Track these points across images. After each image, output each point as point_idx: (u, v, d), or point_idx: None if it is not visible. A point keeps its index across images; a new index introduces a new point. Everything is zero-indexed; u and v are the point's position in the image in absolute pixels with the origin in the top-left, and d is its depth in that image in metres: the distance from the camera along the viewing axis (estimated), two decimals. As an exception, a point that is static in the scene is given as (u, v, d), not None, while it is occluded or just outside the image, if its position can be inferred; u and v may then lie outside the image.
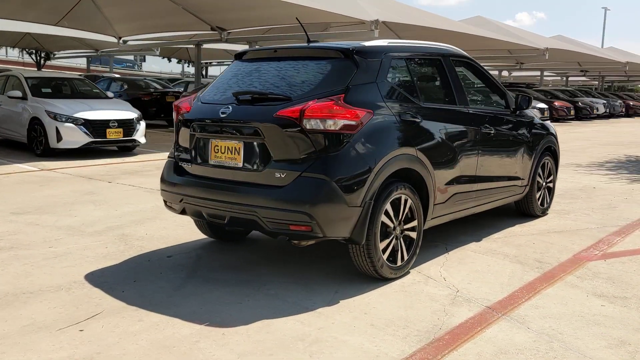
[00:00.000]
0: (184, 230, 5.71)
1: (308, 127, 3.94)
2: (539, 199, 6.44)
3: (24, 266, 4.61)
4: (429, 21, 20.93)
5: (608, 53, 36.54)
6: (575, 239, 5.57)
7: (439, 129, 4.74)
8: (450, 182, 4.87)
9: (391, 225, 4.29)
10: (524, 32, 29.98)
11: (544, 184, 6.53)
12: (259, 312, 3.76)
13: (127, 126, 11.50)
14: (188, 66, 54.05)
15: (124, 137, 11.44)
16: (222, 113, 4.28)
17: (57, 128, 10.77)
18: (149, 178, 8.76)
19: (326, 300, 3.97)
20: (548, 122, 6.76)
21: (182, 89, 21.89)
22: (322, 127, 3.94)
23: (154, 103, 17.39)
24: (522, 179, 6.03)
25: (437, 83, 5.14)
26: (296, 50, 4.63)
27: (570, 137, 18.04)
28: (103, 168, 9.85)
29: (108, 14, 20.15)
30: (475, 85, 5.85)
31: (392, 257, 4.33)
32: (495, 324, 3.61)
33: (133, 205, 6.85)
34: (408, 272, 4.50)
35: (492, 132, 5.43)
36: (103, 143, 11.28)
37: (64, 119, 10.83)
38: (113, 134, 11.26)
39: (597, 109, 32.47)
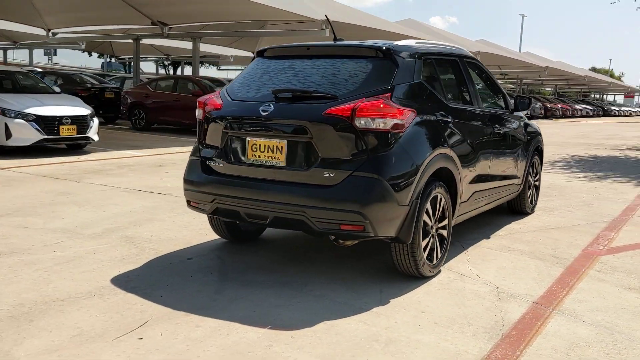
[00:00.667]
0: (189, 231, 5.51)
1: (359, 125, 3.90)
2: (529, 197, 6.68)
3: (37, 272, 4.30)
4: (370, 22, 21.27)
5: (528, 58, 38.40)
6: (574, 235, 5.81)
7: (464, 129, 4.82)
8: (472, 181, 4.97)
9: (430, 223, 4.32)
10: (453, 35, 31.00)
11: (533, 182, 6.78)
12: (316, 314, 3.68)
13: (81, 123, 10.98)
14: (110, 60, 52.17)
15: (77, 134, 10.92)
16: (264, 111, 4.16)
17: (6, 124, 10.13)
18: (119, 177, 8.40)
19: (376, 300, 3.94)
20: (535, 123, 7.02)
21: (119, 84, 21.13)
22: (372, 126, 3.91)
23: (93, 99, 16.63)
24: (519, 178, 6.23)
25: (457, 83, 5.23)
26: (330, 49, 4.56)
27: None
28: (61, 167, 9.34)
29: (38, 4, 19.17)
30: (481, 86, 5.99)
31: (429, 256, 4.36)
32: (551, 319, 3.70)
33: (119, 206, 6.54)
34: (440, 270, 4.55)
35: (501, 132, 5.58)
36: (55, 140, 10.72)
37: (13, 115, 10.20)
38: (66, 130, 10.71)
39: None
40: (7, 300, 3.75)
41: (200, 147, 4.59)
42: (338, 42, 4.67)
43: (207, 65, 49.54)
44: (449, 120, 4.58)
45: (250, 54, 27.60)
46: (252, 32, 19.23)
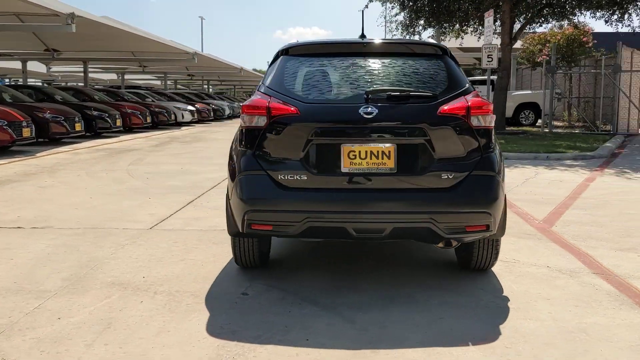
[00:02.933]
0: (186, 265, 4.61)
1: (474, 123, 3.84)
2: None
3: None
4: (106, 20, 19.85)
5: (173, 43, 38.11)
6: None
7: None
8: None
9: None
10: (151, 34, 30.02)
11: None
12: (464, 324, 3.53)
13: None
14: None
15: None
16: (367, 114, 3.75)
17: None
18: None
19: (500, 296, 3.97)
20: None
21: None
22: (483, 124, 3.88)
23: None
24: None
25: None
26: (385, 45, 4.31)
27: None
28: None
29: None
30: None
31: (495, 250, 4.49)
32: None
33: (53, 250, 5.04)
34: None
35: None
36: None
37: None
38: None
39: (225, 111, 35.03)
40: None
41: (258, 160, 3.90)
42: (406, 40, 4.48)
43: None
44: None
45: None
46: None
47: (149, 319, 3.56)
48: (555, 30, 21.26)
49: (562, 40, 20.37)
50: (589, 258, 4.85)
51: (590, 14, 16.86)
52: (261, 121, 3.87)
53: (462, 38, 20.30)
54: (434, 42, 4.38)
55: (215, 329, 3.42)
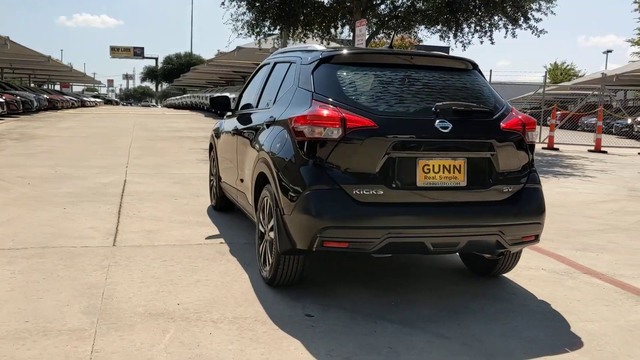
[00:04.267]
0: (211, 286, 4.19)
1: (528, 139, 4.06)
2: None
3: None
4: None
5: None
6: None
7: None
8: None
9: None
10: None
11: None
12: (533, 330, 3.74)
13: None
14: None
15: None
16: (443, 128, 3.76)
17: None
18: None
19: (553, 300, 4.24)
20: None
21: None
22: (531, 139, 4.12)
23: None
24: None
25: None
26: (425, 59, 4.32)
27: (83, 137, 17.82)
28: None
29: None
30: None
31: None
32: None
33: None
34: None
35: None
36: None
37: None
38: None
39: (33, 103, 31.90)
40: None
41: (329, 174, 3.71)
42: (433, 53, 4.52)
43: None
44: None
45: None
46: None
47: (242, 353, 3.21)
48: (385, 41, 22.67)
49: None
50: (564, 259, 5.35)
51: (426, 28, 18.32)
52: (334, 133, 3.68)
53: (305, 42, 20.79)
54: (467, 58, 4.48)
55: (326, 357, 3.19)
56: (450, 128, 3.78)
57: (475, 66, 4.41)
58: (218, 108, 6.16)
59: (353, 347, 3.33)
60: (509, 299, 4.26)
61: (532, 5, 16.72)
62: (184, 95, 54.49)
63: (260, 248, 4.41)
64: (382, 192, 3.70)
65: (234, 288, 4.21)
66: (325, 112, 3.73)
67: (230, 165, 5.70)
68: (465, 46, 17.85)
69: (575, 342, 3.52)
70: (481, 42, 18.88)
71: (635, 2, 35.57)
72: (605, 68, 47.27)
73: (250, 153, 4.76)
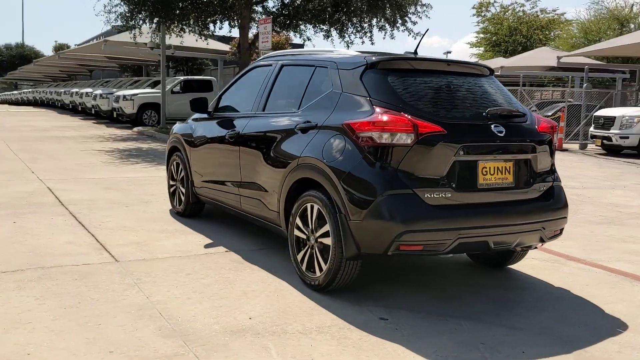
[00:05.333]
0: (261, 297, 4.08)
1: (554, 140, 4.45)
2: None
3: None
4: None
5: None
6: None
7: None
8: None
9: None
10: None
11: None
12: (578, 314, 4.19)
13: None
14: None
15: None
16: (499, 132, 4.01)
17: None
18: None
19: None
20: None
21: None
22: (556, 140, 4.52)
23: None
24: None
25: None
26: (462, 66, 4.53)
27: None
28: None
29: None
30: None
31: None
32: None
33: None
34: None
35: None
36: None
37: None
38: None
39: None
40: None
41: (402, 178, 3.80)
42: (463, 60, 4.73)
43: None
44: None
45: None
46: None
47: (360, 361, 3.21)
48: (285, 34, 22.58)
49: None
50: (542, 249, 5.84)
51: (313, 27, 18.60)
52: (407, 139, 3.78)
53: (182, 37, 20.18)
54: (483, 63, 4.77)
55: (435, 356, 3.30)
56: (504, 132, 4.03)
57: (492, 72, 4.70)
58: (197, 110, 5.92)
59: (451, 346, 3.46)
60: (533, 288, 4.62)
61: (410, 9, 17.67)
62: (25, 91, 50.05)
63: (301, 255, 4.35)
64: (449, 195, 3.86)
65: (287, 297, 4.13)
66: (396, 118, 3.81)
67: (224, 170, 5.49)
68: (348, 46, 18.41)
69: (620, 324, 3.93)
70: (362, 43, 19.60)
71: (473, 8, 38.84)
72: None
73: (275, 159, 4.66)
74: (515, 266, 5.10)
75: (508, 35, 38.08)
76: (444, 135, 3.85)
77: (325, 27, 18.31)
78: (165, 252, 5.08)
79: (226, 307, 3.89)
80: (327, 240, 4.07)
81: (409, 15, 18.02)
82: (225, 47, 23.87)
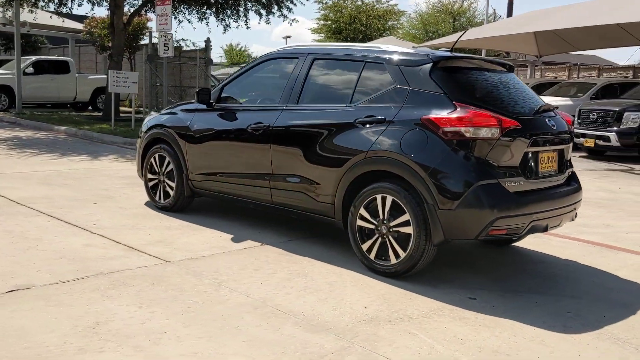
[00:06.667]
0: (351, 289, 4.23)
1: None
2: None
3: None
4: None
5: None
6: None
7: None
8: None
9: None
10: None
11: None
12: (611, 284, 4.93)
13: None
14: None
15: None
16: (552, 126, 4.53)
17: None
18: None
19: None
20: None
21: None
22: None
23: None
24: None
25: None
26: (498, 65, 4.96)
27: None
28: None
29: None
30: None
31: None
32: None
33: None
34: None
35: None
36: None
37: None
38: None
39: None
40: None
41: (489, 169, 4.19)
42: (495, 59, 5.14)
43: None
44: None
45: None
46: None
47: (497, 337, 3.56)
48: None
49: (131, 28, 20.82)
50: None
51: (194, 8, 18.14)
52: (494, 133, 4.16)
53: (36, 13, 18.50)
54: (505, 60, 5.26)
55: (546, 326, 3.73)
56: (556, 125, 4.57)
57: (512, 68, 5.21)
58: (202, 100, 5.74)
59: (547, 316, 3.93)
60: (548, 261, 5.26)
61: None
62: None
63: (368, 244, 4.52)
64: (522, 183, 4.32)
65: (373, 286, 4.29)
66: (482, 114, 4.16)
67: (244, 163, 5.41)
68: (225, 29, 18.22)
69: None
70: (237, 27, 19.52)
71: (315, -6, 40.02)
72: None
73: (330, 151, 4.73)
74: (516, 244, 5.72)
75: (348, 23, 39.84)
76: (519, 129, 4.28)
77: (202, 9, 17.93)
78: (203, 250, 4.94)
79: (331, 299, 3.98)
80: (407, 229, 4.31)
81: (285, 2, 18.27)
82: (79, 26, 22.17)
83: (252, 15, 18.22)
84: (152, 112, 6.88)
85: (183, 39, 22.33)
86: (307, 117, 5.01)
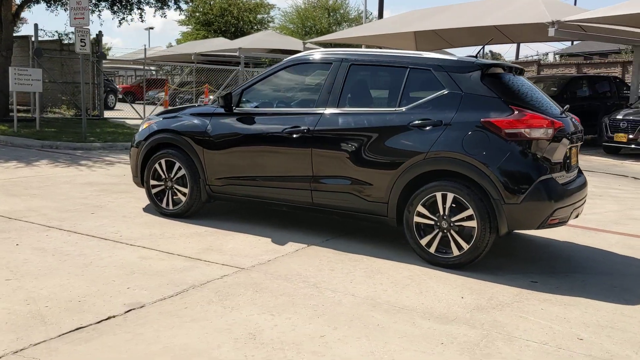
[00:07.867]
0: (437, 286, 4.55)
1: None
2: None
3: None
4: None
5: None
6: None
7: None
8: None
9: None
10: None
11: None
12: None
13: None
14: None
15: None
16: (574, 125, 5.16)
17: None
18: None
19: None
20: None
21: None
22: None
23: None
24: None
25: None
26: (518, 69, 5.47)
27: None
28: None
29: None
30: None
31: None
32: None
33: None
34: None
35: None
36: None
37: None
38: None
39: None
40: None
41: (545, 166, 4.70)
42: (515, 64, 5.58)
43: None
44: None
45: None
46: None
47: (564, 317, 4.07)
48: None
49: None
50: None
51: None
52: (548, 133, 4.69)
53: None
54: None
55: (605, 301, 4.33)
56: (575, 124, 5.20)
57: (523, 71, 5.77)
58: (227, 105, 5.70)
59: (606, 292, 4.52)
60: (554, 244, 5.92)
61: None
62: None
63: (427, 239, 4.86)
64: (563, 177, 4.88)
65: (447, 279, 4.60)
66: (538, 117, 4.67)
67: (278, 166, 5.47)
68: (120, 23, 17.46)
69: (644, 260, 5.48)
70: (131, 20, 18.73)
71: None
72: (149, 45, 50.30)
73: (384, 153, 4.97)
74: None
75: (219, 16, 39.42)
76: (563, 129, 4.83)
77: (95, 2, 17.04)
78: (259, 254, 4.98)
79: (425, 293, 4.27)
80: (470, 223, 4.70)
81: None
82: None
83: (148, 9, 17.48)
84: (152, 117, 6.64)
85: (65, 33, 20.93)
86: (353, 120, 5.19)
